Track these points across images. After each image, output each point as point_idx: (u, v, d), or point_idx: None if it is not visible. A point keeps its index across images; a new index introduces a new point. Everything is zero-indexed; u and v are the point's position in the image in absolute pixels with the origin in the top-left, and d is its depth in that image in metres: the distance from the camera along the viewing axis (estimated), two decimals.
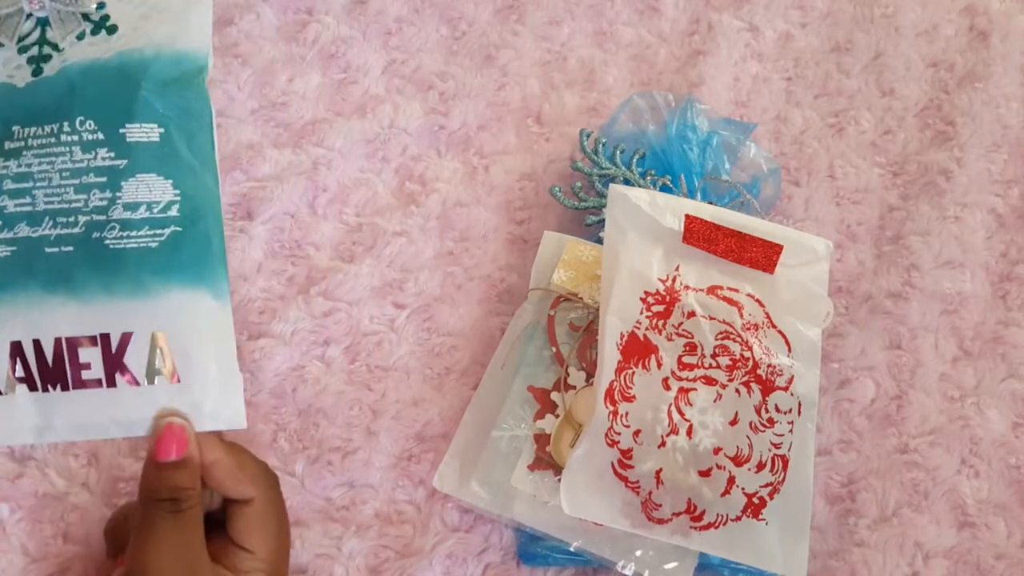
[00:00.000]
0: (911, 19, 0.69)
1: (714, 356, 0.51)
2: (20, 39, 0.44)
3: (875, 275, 0.61)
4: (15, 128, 0.42)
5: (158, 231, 0.41)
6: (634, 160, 0.60)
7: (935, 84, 0.68)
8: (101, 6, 0.44)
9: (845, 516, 0.54)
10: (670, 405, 0.50)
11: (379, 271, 0.59)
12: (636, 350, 0.50)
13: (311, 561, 0.51)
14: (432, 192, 0.61)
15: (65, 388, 0.40)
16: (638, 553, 0.50)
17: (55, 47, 0.44)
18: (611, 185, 0.53)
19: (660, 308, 0.51)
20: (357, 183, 0.61)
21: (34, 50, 0.43)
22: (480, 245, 0.60)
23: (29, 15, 0.44)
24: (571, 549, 0.51)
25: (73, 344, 0.40)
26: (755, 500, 0.49)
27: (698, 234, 0.52)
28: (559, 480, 0.50)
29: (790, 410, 0.51)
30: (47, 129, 0.42)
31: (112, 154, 0.41)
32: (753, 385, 0.51)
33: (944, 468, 0.55)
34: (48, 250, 0.41)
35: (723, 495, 0.49)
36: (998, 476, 0.55)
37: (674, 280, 0.52)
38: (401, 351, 0.57)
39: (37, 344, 0.40)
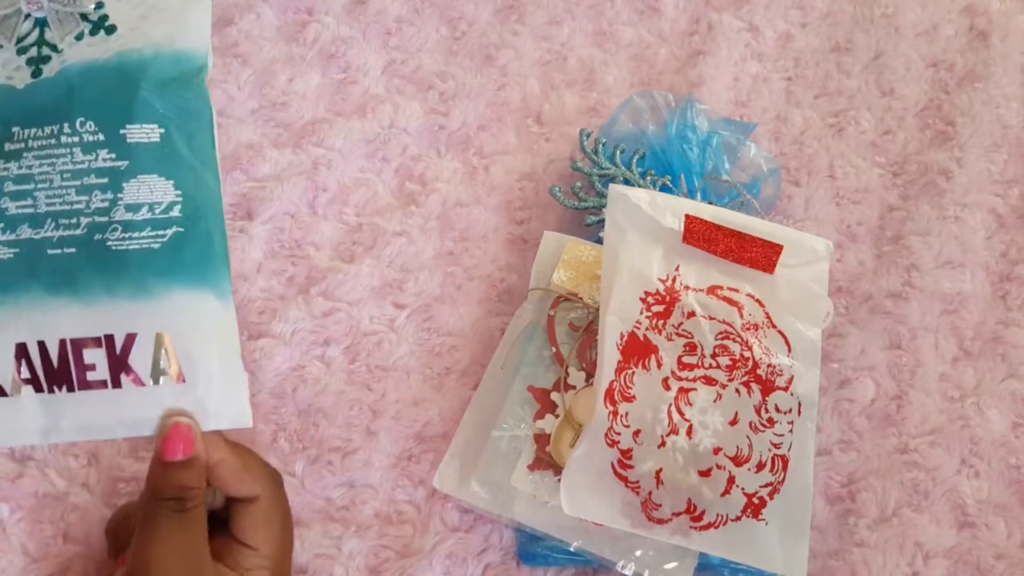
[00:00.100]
0: (911, 19, 0.69)
1: (714, 356, 0.51)
2: (19, 40, 0.44)
3: (875, 275, 0.61)
4: (15, 129, 0.42)
5: (160, 232, 0.41)
6: (634, 160, 0.60)
7: (935, 84, 0.68)
8: (99, 6, 0.44)
9: (845, 516, 0.54)
10: (670, 405, 0.50)
11: (379, 271, 0.59)
12: (636, 350, 0.50)
13: (311, 561, 0.51)
14: (432, 192, 0.61)
15: (71, 389, 0.40)
16: (638, 553, 0.50)
17: (54, 48, 0.43)
18: (611, 185, 0.53)
19: (660, 308, 0.51)
20: (357, 183, 0.61)
21: (33, 51, 0.43)
22: (480, 245, 0.60)
23: (27, 16, 0.44)
24: (571, 549, 0.51)
25: (78, 345, 0.40)
26: (755, 500, 0.49)
27: (698, 234, 0.52)
28: (559, 480, 0.50)
29: (790, 410, 0.51)
30: (47, 130, 0.42)
31: (113, 155, 0.41)
32: (753, 385, 0.51)
33: (944, 468, 0.55)
34: (51, 252, 0.41)
35: (723, 495, 0.49)
36: (998, 476, 0.55)
37: (674, 280, 0.52)
38: (401, 351, 0.57)
39: (42, 346, 0.40)
